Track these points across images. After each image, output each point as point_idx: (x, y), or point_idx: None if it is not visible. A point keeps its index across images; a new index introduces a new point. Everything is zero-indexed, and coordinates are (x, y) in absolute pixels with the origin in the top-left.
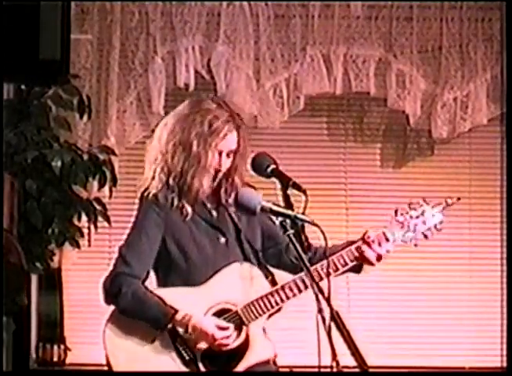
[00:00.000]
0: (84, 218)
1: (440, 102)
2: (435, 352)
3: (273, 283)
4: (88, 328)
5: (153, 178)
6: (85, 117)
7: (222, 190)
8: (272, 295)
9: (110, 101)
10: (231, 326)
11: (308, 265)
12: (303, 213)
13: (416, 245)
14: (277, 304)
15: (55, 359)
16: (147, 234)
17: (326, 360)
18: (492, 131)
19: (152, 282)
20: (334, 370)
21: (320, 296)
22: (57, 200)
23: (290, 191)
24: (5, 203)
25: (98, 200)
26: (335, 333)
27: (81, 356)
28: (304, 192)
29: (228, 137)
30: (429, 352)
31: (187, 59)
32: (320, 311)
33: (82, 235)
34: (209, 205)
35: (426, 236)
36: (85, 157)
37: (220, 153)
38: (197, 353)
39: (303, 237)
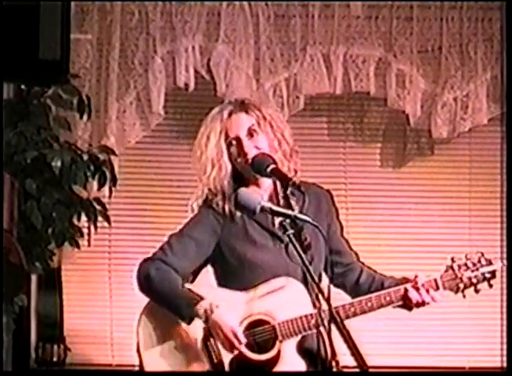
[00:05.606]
0: (84, 218)
1: (440, 102)
2: (435, 352)
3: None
4: (88, 328)
5: (208, 185)
6: (85, 117)
7: (279, 187)
8: (312, 317)
9: (110, 101)
10: (243, 340)
11: (308, 265)
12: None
13: (464, 297)
14: (316, 327)
15: (55, 359)
16: (195, 234)
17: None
18: (492, 131)
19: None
20: (334, 370)
21: (320, 296)
22: (57, 200)
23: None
24: (5, 203)
25: (98, 200)
26: (335, 333)
27: (81, 356)
28: (304, 192)
29: (234, 117)
30: (429, 352)
31: (187, 59)
32: (320, 311)
33: (82, 235)
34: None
35: (477, 292)
36: (85, 157)
37: (237, 139)
38: (225, 359)
39: (303, 237)
